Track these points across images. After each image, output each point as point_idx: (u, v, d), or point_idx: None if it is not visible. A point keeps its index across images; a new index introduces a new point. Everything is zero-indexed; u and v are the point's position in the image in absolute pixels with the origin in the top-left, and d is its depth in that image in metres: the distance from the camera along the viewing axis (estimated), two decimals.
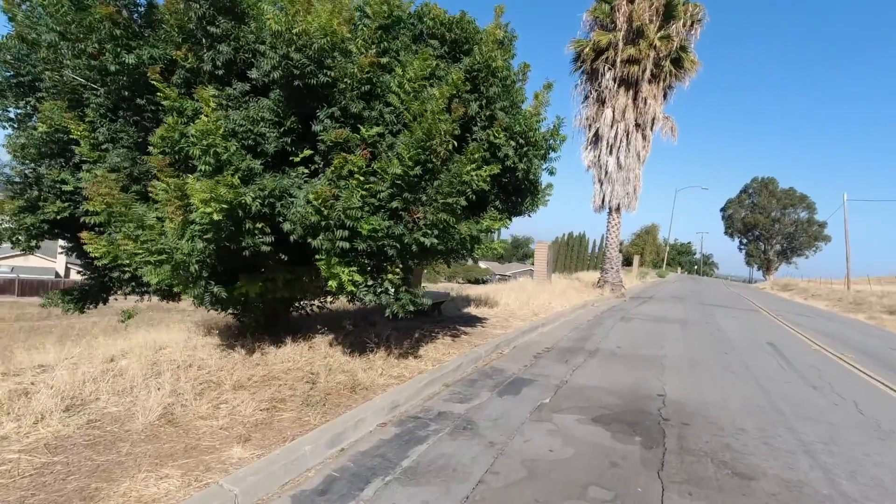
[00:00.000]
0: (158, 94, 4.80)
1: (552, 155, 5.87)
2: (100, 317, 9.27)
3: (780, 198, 69.12)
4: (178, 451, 3.42)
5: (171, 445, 3.51)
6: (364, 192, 4.34)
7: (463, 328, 8.90)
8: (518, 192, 6.11)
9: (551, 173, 6.21)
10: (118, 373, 5.09)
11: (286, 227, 4.19)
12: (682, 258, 76.62)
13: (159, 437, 3.64)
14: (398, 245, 4.48)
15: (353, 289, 4.48)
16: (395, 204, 4.32)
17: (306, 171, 4.75)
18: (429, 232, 4.33)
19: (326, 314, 10.12)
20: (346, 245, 4.20)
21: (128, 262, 4.87)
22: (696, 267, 78.09)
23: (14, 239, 6.20)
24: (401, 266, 4.76)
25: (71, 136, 5.55)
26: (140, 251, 4.30)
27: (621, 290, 20.69)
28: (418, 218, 4.36)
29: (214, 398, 4.43)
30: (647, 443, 4.33)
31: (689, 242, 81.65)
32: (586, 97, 21.05)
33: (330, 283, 4.44)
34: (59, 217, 6.09)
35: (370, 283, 4.66)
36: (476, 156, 4.40)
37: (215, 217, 3.88)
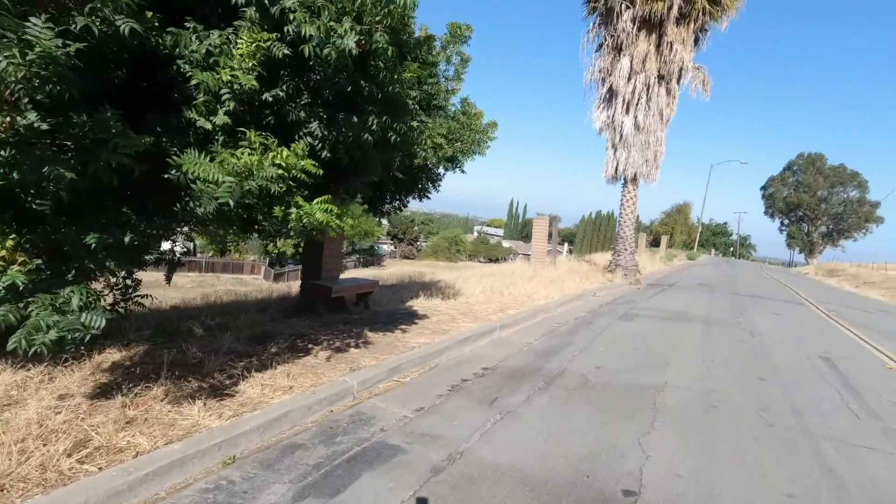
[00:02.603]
0: None
1: None
2: None
3: (828, 175, 63.20)
4: None
5: None
6: None
7: (373, 333, 6.19)
8: (349, 102, 3.06)
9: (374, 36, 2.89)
10: None
11: None
12: (717, 239, 71.03)
13: None
14: None
15: None
16: None
17: None
18: None
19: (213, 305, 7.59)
20: None
21: None
22: (731, 249, 72.42)
23: None
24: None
25: None
26: None
27: (636, 275, 17.51)
28: None
29: None
30: None
31: (726, 223, 75.71)
32: (600, 45, 17.57)
33: None
34: None
35: None
36: None
37: None
